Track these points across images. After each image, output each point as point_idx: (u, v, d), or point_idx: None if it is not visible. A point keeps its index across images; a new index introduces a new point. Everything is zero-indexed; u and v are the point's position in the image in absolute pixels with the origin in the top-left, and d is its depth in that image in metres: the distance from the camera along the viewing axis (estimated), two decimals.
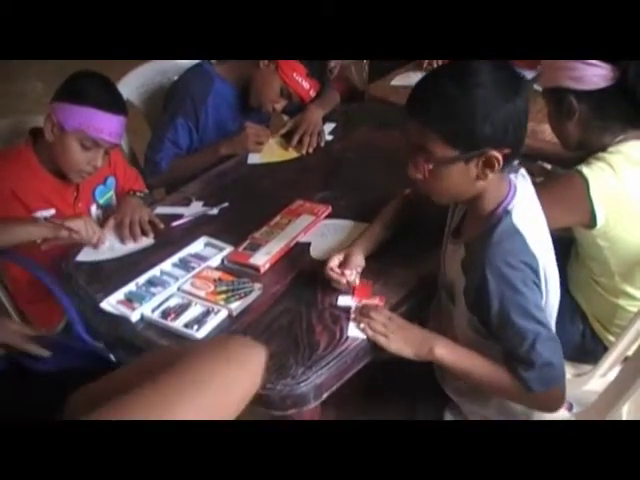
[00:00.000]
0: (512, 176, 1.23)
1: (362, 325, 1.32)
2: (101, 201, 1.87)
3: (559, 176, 1.51)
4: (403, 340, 1.27)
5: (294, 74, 2.03)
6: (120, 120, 1.67)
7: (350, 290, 1.42)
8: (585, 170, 1.40)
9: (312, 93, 2.10)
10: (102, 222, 1.71)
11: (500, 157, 1.12)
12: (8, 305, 1.88)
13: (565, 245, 1.64)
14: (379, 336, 1.28)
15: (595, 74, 1.40)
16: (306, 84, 2.06)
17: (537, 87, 2.29)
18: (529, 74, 2.55)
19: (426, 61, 2.74)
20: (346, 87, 2.94)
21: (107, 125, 1.63)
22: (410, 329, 1.29)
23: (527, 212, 1.21)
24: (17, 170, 1.70)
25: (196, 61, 2.18)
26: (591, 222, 1.42)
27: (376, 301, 1.39)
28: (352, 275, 1.41)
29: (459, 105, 1.10)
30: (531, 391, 1.18)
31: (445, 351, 1.25)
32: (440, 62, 2.66)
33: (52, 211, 1.74)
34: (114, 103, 1.66)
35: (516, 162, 1.24)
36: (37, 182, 1.72)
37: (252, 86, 2.12)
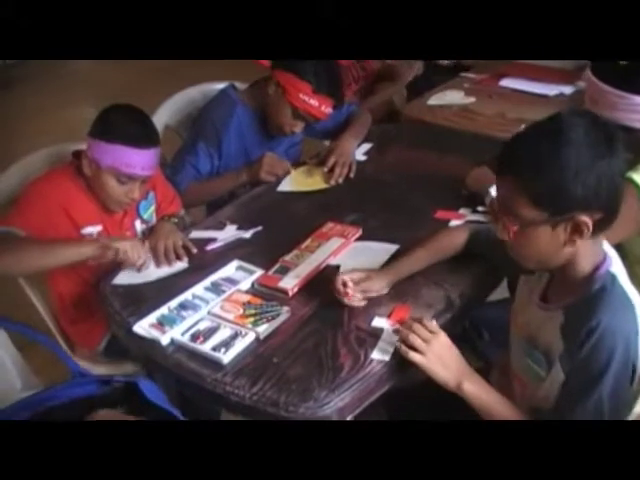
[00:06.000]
0: None
1: (399, 338, 1.29)
2: (145, 216, 1.91)
3: None
4: (440, 361, 1.23)
5: (300, 94, 2.01)
6: (151, 153, 1.70)
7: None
8: (635, 176, 1.41)
9: (325, 109, 2.05)
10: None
11: (590, 223, 1.07)
12: (52, 326, 1.95)
13: None
14: (414, 353, 1.24)
15: None
16: (314, 102, 2.02)
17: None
18: (567, 89, 2.53)
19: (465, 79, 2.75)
20: (386, 107, 2.97)
21: (139, 160, 1.67)
22: (451, 352, 1.25)
23: (624, 274, 1.17)
24: (66, 188, 1.75)
25: (223, 85, 2.26)
26: None
27: None
28: (356, 299, 1.43)
29: (548, 164, 1.06)
30: None
31: (473, 388, 1.22)
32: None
33: (99, 227, 1.79)
34: (143, 137, 1.69)
35: None
36: (85, 200, 1.77)
37: (267, 113, 2.14)
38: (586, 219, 1.07)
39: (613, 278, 1.13)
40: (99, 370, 1.92)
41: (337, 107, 2.12)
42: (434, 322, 1.33)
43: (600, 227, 1.10)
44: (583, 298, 1.14)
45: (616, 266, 1.16)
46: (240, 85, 2.31)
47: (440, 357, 1.24)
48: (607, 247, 1.19)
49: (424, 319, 1.30)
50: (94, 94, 5.17)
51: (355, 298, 1.44)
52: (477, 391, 1.22)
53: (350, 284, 1.42)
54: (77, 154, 1.77)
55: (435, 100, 2.58)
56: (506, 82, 2.71)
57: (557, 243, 1.11)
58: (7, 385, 1.74)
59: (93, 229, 1.77)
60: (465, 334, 1.90)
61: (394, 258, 1.56)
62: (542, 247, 1.13)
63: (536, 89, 2.60)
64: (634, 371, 1.11)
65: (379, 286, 1.47)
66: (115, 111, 1.71)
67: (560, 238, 1.10)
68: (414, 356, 1.24)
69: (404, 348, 1.26)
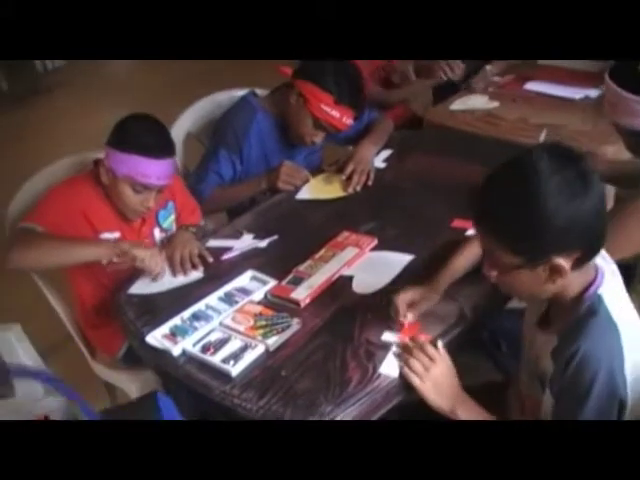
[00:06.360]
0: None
1: (402, 360, 1.31)
2: (164, 225, 1.93)
3: (635, 202, 1.48)
4: (436, 388, 1.26)
5: (321, 105, 2.00)
6: (167, 163, 1.71)
7: (398, 327, 1.42)
8: None
9: (346, 120, 2.05)
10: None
11: (566, 265, 1.07)
12: (73, 331, 1.98)
13: None
14: (413, 375, 1.27)
15: None
16: (336, 113, 2.01)
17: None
18: (593, 92, 2.48)
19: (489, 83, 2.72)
20: (408, 112, 2.94)
21: (154, 170, 1.68)
22: (447, 380, 1.28)
23: (617, 294, 1.16)
24: (86, 194, 1.78)
25: (244, 92, 2.26)
26: None
27: (422, 339, 1.37)
28: (410, 318, 1.41)
29: (518, 213, 1.06)
30: None
31: (467, 416, 1.24)
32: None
33: (117, 234, 1.81)
34: (159, 148, 1.70)
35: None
36: (104, 207, 1.80)
37: (288, 122, 2.14)
38: (562, 262, 1.07)
39: (600, 300, 1.12)
40: (119, 377, 1.95)
41: (358, 118, 2.12)
42: (440, 344, 1.33)
43: (582, 261, 1.10)
44: (572, 322, 1.14)
45: (606, 285, 1.14)
46: (261, 92, 2.31)
47: (436, 384, 1.26)
48: (603, 261, 1.18)
49: (425, 344, 1.32)
50: (131, 98, 5.25)
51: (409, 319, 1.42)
52: (471, 418, 1.24)
53: (409, 314, 1.41)
54: (97, 162, 1.79)
55: (458, 105, 2.54)
56: (531, 85, 2.66)
57: (539, 282, 1.12)
58: (30, 391, 1.77)
59: (111, 235, 1.79)
60: (485, 346, 1.87)
61: (437, 271, 1.51)
62: (525, 286, 1.15)
63: (561, 92, 2.55)
64: (622, 404, 1.09)
65: (431, 304, 1.46)
66: (132, 121, 1.73)
67: (541, 278, 1.11)
68: (413, 380, 1.27)
69: (406, 370, 1.28)
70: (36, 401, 1.75)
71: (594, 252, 1.11)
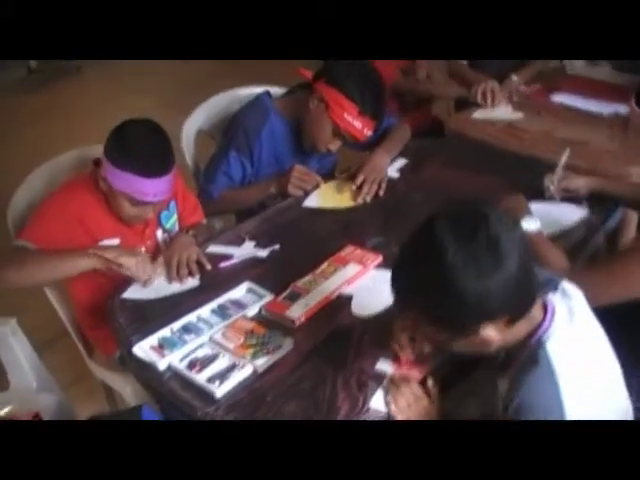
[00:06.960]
0: (550, 296, 1.13)
1: (388, 395, 1.28)
2: (167, 226, 1.89)
3: None
4: None
5: (345, 114, 1.93)
6: (165, 181, 1.65)
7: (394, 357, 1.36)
8: None
9: (367, 132, 1.98)
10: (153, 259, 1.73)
11: (495, 332, 1.05)
12: (72, 331, 1.95)
13: None
14: (397, 411, 1.24)
15: None
16: (358, 123, 1.94)
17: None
18: (623, 108, 2.37)
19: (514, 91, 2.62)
20: (430, 116, 2.86)
21: (151, 189, 1.63)
22: (430, 419, 1.25)
23: (569, 336, 1.10)
24: (85, 199, 1.73)
25: (258, 90, 2.20)
26: None
27: (415, 372, 1.33)
28: (410, 355, 1.35)
29: (432, 293, 1.03)
30: None
31: None
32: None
33: (116, 240, 1.77)
34: (156, 166, 1.63)
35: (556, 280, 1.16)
36: (103, 212, 1.75)
37: (304, 127, 2.07)
38: (489, 332, 1.05)
39: (542, 347, 1.08)
40: (114, 378, 1.92)
41: (378, 129, 2.06)
42: (430, 382, 1.31)
43: (514, 320, 1.06)
44: (517, 368, 1.11)
45: (556, 326, 1.09)
46: (275, 90, 2.24)
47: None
48: (560, 297, 1.14)
49: (412, 381, 1.30)
50: (159, 80, 5.24)
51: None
52: None
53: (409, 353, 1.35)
54: (97, 162, 1.74)
55: (481, 114, 2.45)
56: (558, 97, 2.56)
57: (474, 346, 1.09)
58: (23, 386, 1.75)
59: (110, 242, 1.75)
60: None
61: None
62: (462, 350, 1.13)
63: (589, 106, 2.44)
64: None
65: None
66: (130, 132, 1.64)
67: (475, 343, 1.08)
68: (396, 415, 1.25)
69: (391, 405, 1.26)
70: (29, 396, 1.74)
71: (524, 312, 1.07)
